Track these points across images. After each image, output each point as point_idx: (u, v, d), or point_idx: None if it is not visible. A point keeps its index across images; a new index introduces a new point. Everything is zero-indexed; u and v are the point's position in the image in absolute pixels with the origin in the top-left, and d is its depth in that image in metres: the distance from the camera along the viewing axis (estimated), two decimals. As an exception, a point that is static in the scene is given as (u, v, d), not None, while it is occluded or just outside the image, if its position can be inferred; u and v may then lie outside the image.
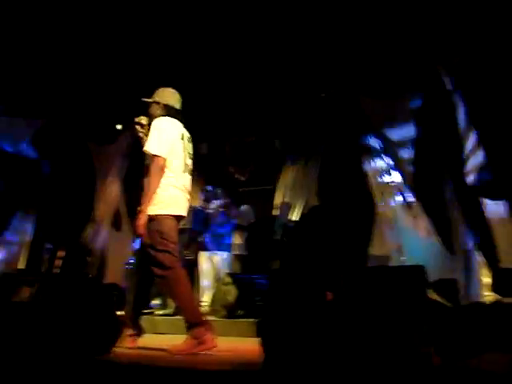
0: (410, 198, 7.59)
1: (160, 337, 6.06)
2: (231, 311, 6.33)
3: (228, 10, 6.69)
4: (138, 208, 4.52)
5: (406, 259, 7.27)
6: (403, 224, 7.57)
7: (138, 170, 9.80)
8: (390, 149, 7.96)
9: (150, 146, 4.49)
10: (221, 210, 7.72)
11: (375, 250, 7.80)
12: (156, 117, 4.63)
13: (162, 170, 4.45)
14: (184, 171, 4.69)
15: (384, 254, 7.71)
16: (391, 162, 7.85)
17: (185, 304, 4.25)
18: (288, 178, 8.88)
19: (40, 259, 9.68)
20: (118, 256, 9.59)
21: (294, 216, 8.63)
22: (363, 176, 7.99)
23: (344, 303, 2.73)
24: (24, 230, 10.20)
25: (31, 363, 3.15)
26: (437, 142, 7.35)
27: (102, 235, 10.30)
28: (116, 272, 9.35)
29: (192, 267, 7.50)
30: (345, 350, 2.62)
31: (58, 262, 9.68)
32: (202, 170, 9.63)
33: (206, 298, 7.29)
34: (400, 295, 2.63)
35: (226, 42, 7.32)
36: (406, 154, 7.79)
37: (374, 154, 8.01)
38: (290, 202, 8.73)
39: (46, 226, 10.29)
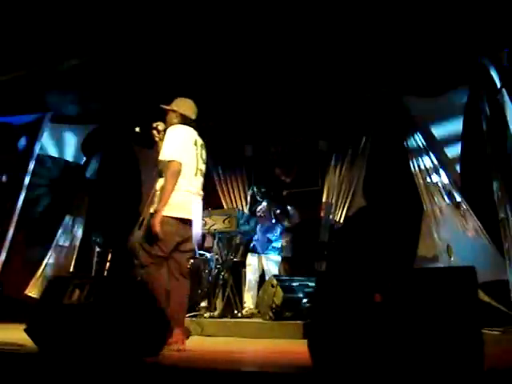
0: (458, 198, 7.46)
1: (207, 339, 6.10)
2: (278, 313, 6.32)
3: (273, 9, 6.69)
4: (154, 208, 4.73)
5: (455, 260, 7.15)
6: (451, 224, 7.45)
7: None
8: (436, 147, 7.84)
9: (165, 152, 4.73)
10: (267, 212, 7.72)
11: (423, 250, 7.71)
12: (172, 124, 4.89)
13: (178, 173, 4.66)
14: (196, 174, 4.88)
15: (432, 255, 7.60)
16: (438, 161, 7.73)
17: None
18: (333, 179, 8.84)
19: (89, 262, 9.85)
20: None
21: (340, 217, 8.58)
22: (410, 176, 7.89)
23: (392, 305, 2.70)
24: (74, 234, 10.39)
25: (81, 365, 3.20)
26: (485, 139, 7.22)
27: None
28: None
29: (240, 270, 7.53)
30: (394, 352, 2.59)
31: (107, 265, 9.84)
32: (248, 173, 9.67)
33: (250, 301, 7.31)
34: (450, 297, 2.59)
35: (270, 44, 7.32)
36: (453, 152, 7.68)
37: (420, 153, 7.91)
38: (336, 203, 8.69)
39: (94, 229, 10.47)
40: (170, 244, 4.63)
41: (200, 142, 5.01)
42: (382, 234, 7.71)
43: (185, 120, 4.92)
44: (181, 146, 4.71)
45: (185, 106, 5.01)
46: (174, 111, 4.98)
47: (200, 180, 4.96)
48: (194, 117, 5.01)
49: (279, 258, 7.66)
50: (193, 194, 4.83)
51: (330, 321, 2.84)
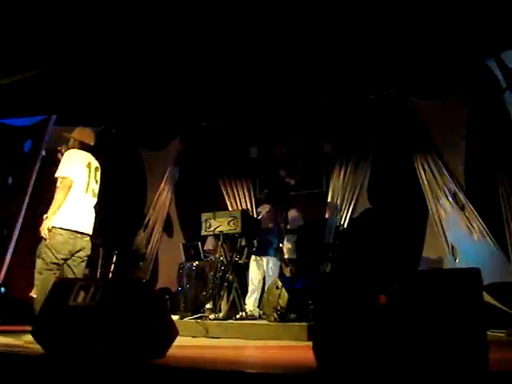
0: (463, 200, 7.46)
1: (212, 341, 6.10)
2: (283, 315, 6.32)
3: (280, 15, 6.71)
4: (45, 216, 5.18)
5: (460, 261, 7.15)
6: (456, 226, 7.44)
7: (190, 177, 9.95)
8: (440, 149, 7.84)
9: (60, 170, 5.31)
10: (271, 214, 7.71)
11: (428, 252, 7.70)
12: (70, 148, 5.54)
13: (68, 189, 5.24)
14: (87, 192, 5.48)
15: (437, 257, 7.60)
16: (443, 163, 7.73)
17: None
18: (338, 181, 8.83)
19: (94, 264, 9.85)
20: (170, 261, 9.70)
21: (345, 219, 8.58)
22: (415, 177, 7.89)
23: (397, 306, 2.71)
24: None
25: (87, 366, 3.21)
26: (490, 141, 7.21)
27: (153, 240, 10.44)
28: (168, 276, 9.46)
29: (245, 271, 7.53)
30: (399, 354, 2.59)
31: (112, 267, 9.86)
32: (252, 175, 9.68)
33: (255, 303, 7.31)
34: (455, 299, 2.58)
35: (275, 46, 7.34)
36: (458, 153, 7.67)
37: (425, 155, 7.91)
38: (341, 205, 8.68)
39: (99, 231, 10.47)
40: (62, 252, 5.19)
41: (95, 165, 5.67)
42: (387, 236, 7.70)
43: (82, 146, 5.58)
44: (73, 166, 5.35)
45: (83, 134, 5.70)
46: (73, 138, 5.63)
47: (91, 198, 5.58)
48: (92, 143, 5.72)
49: (281, 260, 7.65)
50: (83, 209, 5.44)
51: (335, 322, 2.84)
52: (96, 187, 5.65)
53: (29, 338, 3.79)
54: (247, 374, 2.90)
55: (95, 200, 5.65)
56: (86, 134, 5.75)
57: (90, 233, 5.61)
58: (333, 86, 8.34)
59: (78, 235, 5.33)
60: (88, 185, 5.49)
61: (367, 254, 7.53)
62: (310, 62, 7.71)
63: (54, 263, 5.16)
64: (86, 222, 5.48)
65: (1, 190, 10.77)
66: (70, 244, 5.23)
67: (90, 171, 5.54)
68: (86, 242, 5.45)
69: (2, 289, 9.80)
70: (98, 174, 5.72)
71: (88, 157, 5.60)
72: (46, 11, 6.82)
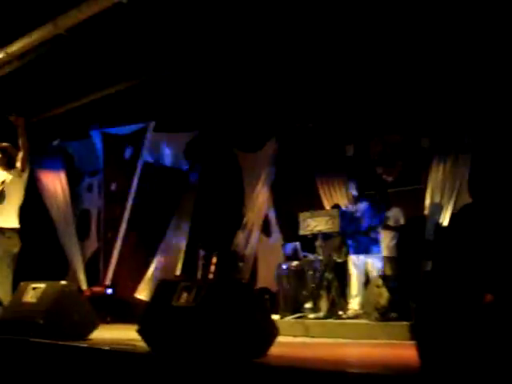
0: None
1: (312, 340, 6.10)
2: (383, 314, 6.23)
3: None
4: None
5: None
6: None
7: (286, 177, 9.98)
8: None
9: None
10: (370, 212, 7.61)
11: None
12: None
13: None
14: None
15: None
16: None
17: None
18: (437, 176, 8.61)
19: (195, 266, 10.08)
20: (269, 261, 9.78)
21: (445, 215, 8.35)
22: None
23: (503, 305, 2.61)
24: (179, 239, 10.68)
25: (190, 364, 3.29)
26: None
27: (252, 241, 10.55)
28: (267, 276, 9.53)
29: (344, 270, 7.47)
30: (505, 355, 2.50)
31: (212, 268, 10.04)
32: (349, 173, 9.59)
33: (355, 302, 7.23)
34: None
35: (372, 43, 7.27)
36: None
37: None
38: (441, 201, 8.46)
39: (199, 233, 10.71)
40: None
41: None
42: (491, 232, 7.43)
43: None
44: None
45: None
46: None
47: None
48: None
49: (381, 258, 7.53)
50: None
51: (439, 322, 2.78)
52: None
53: (135, 336, 3.92)
54: (348, 373, 2.88)
55: None
56: None
57: None
58: (430, 81, 8.15)
59: None
60: None
61: (471, 251, 7.30)
62: (409, 58, 7.57)
63: None
64: None
65: (105, 195, 11.23)
66: None
67: None
68: None
69: (110, 290, 10.21)
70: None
71: None
72: (144, 25, 7.07)
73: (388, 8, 6.58)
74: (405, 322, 5.80)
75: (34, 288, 5.03)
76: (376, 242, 7.49)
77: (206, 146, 10.94)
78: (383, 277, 6.92)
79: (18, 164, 6.14)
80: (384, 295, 6.28)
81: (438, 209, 8.48)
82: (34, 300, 4.93)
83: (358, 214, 7.69)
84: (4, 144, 6.30)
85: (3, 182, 6.12)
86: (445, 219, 8.33)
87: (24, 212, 6.29)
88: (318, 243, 7.76)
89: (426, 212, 8.59)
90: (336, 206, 8.71)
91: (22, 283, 5.31)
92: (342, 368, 3.08)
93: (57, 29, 7.03)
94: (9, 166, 6.24)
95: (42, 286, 4.99)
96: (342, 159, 9.79)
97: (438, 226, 8.31)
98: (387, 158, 9.40)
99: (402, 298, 6.31)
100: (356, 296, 7.29)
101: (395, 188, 9.01)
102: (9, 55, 7.69)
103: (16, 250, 6.04)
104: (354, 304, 7.22)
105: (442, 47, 7.23)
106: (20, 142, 6.09)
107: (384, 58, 7.61)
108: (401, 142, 9.26)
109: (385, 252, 7.70)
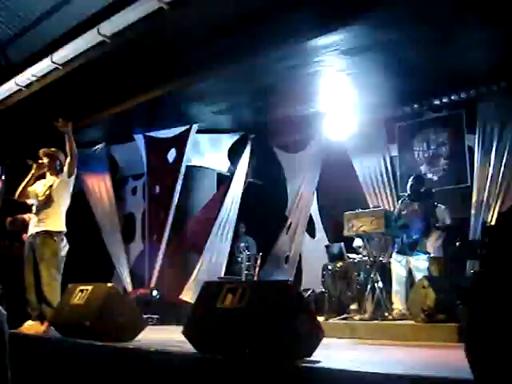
0: None
1: (358, 342, 6.06)
2: (430, 315, 6.14)
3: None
4: None
5: None
6: None
7: (330, 177, 9.94)
8: None
9: None
10: (414, 212, 7.51)
11: None
12: None
13: None
14: None
15: None
16: None
17: None
18: (483, 174, 8.46)
19: (239, 268, 10.11)
20: (313, 262, 9.74)
21: (493, 214, 8.19)
22: None
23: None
24: (224, 240, 10.71)
25: (236, 366, 3.29)
26: None
27: (296, 242, 10.53)
28: (312, 277, 9.50)
29: (389, 271, 7.39)
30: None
31: (257, 270, 10.06)
32: (393, 172, 9.51)
33: (401, 303, 7.14)
34: None
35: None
36: None
37: None
38: (488, 200, 8.31)
39: (243, 235, 10.74)
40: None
41: None
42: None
43: None
44: None
45: None
46: None
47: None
48: None
49: (428, 259, 7.42)
50: None
51: (490, 324, 2.71)
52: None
53: (181, 337, 3.95)
54: (396, 375, 2.85)
55: None
56: None
57: None
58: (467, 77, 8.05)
59: None
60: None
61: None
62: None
63: None
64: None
65: (149, 198, 11.35)
66: None
67: None
68: None
69: (155, 292, 10.30)
70: None
71: None
72: (185, 28, 7.13)
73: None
74: (452, 324, 5.71)
75: (81, 290, 5.11)
76: (421, 242, 7.39)
77: (250, 147, 10.96)
78: (429, 277, 6.82)
79: (66, 169, 6.25)
80: (430, 296, 6.18)
81: (484, 208, 8.34)
82: (81, 302, 5.01)
83: (403, 214, 7.60)
84: (52, 149, 6.42)
85: (51, 187, 6.24)
86: (492, 218, 8.18)
87: (71, 215, 6.41)
88: (362, 244, 7.71)
89: (473, 211, 8.45)
90: (380, 206, 8.64)
91: (69, 285, 5.41)
92: (389, 370, 3.04)
93: (101, 35, 7.15)
94: (56, 170, 6.36)
95: (89, 288, 5.07)
96: (385, 158, 9.72)
97: (485, 224, 8.16)
98: (432, 157, 9.29)
99: (448, 299, 6.21)
100: (402, 297, 7.20)
101: (440, 187, 8.89)
102: (55, 63, 7.86)
103: (63, 252, 6.15)
104: (400, 305, 7.13)
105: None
106: (67, 148, 6.18)
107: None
108: (445, 140, 9.14)
109: (431, 252, 7.59)
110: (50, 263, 5.98)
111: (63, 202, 6.29)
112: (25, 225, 6.70)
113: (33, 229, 6.17)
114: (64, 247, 6.18)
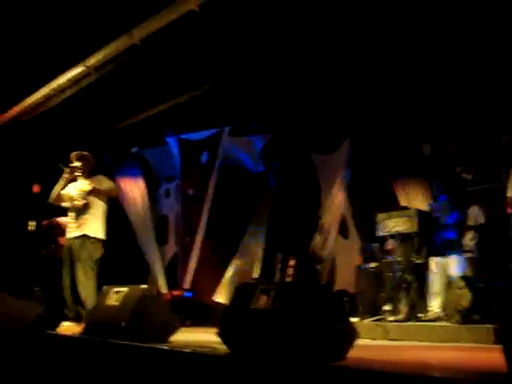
0: None
1: (392, 343, 6.02)
2: (466, 316, 6.08)
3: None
4: None
5: None
6: None
7: (362, 178, 9.91)
8: None
9: None
10: (449, 211, 7.44)
11: None
12: None
13: None
14: None
15: None
16: None
17: None
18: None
19: (272, 269, 10.12)
20: (347, 263, 9.71)
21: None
22: None
23: None
24: (257, 242, 10.74)
25: (270, 367, 3.30)
26: None
27: (329, 243, 10.50)
28: (345, 278, 9.47)
29: (423, 272, 7.33)
30: None
31: (290, 271, 10.05)
32: (426, 172, 9.42)
33: (435, 304, 7.07)
34: None
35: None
36: None
37: None
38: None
39: (276, 236, 10.75)
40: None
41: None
42: None
43: None
44: None
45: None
46: None
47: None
48: None
49: (462, 259, 7.33)
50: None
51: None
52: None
53: (215, 338, 3.97)
54: (431, 377, 2.83)
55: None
56: None
57: None
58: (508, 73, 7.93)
59: None
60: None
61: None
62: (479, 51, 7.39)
63: None
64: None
65: (183, 200, 11.44)
66: None
67: None
68: None
69: (189, 293, 10.38)
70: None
71: None
72: (217, 31, 7.18)
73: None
74: (488, 325, 5.64)
75: (116, 292, 5.17)
76: (456, 242, 7.31)
77: (282, 148, 10.96)
78: (465, 278, 6.74)
79: (107, 191, 6.40)
80: (466, 297, 6.12)
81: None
82: (116, 303, 5.07)
83: (437, 214, 7.53)
84: (83, 152, 6.47)
85: (88, 192, 6.28)
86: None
87: (106, 218, 6.47)
88: (396, 244, 7.66)
89: (509, 210, 8.32)
90: (420, 210, 8.57)
91: (104, 287, 5.47)
92: (424, 371, 3.03)
93: (132, 40, 7.23)
94: (90, 173, 6.42)
95: (124, 289, 5.12)
96: (418, 158, 9.63)
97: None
98: (466, 156, 9.18)
99: (484, 299, 6.14)
100: (436, 298, 7.13)
101: (475, 186, 8.78)
102: (88, 68, 7.97)
103: (98, 255, 6.23)
104: (435, 306, 7.06)
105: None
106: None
107: (461, 53, 7.44)
108: (480, 139, 9.03)
109: (466, 252, 7.50)
110: (86, 264, 6.06)
111: (102, 208, 6.35)
112: (61, 228, 6.79)
113: (72, 233, 6.25)
114: (99, 250, 6.26)
